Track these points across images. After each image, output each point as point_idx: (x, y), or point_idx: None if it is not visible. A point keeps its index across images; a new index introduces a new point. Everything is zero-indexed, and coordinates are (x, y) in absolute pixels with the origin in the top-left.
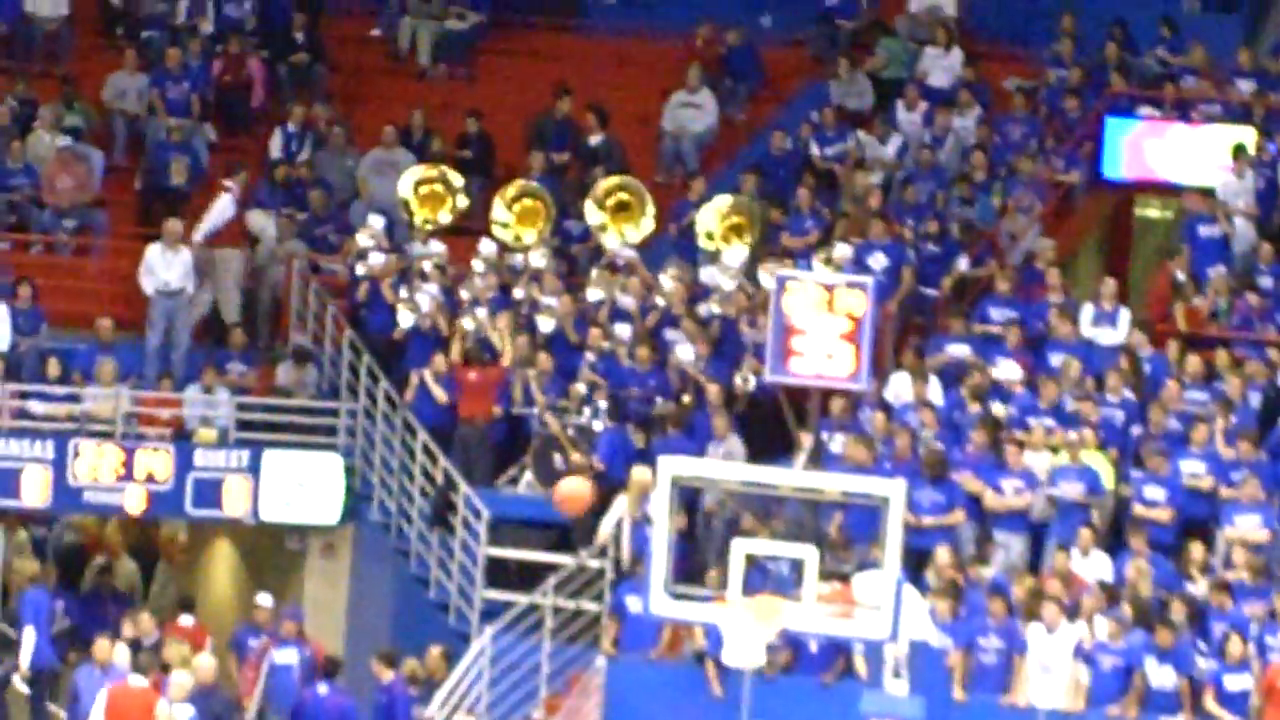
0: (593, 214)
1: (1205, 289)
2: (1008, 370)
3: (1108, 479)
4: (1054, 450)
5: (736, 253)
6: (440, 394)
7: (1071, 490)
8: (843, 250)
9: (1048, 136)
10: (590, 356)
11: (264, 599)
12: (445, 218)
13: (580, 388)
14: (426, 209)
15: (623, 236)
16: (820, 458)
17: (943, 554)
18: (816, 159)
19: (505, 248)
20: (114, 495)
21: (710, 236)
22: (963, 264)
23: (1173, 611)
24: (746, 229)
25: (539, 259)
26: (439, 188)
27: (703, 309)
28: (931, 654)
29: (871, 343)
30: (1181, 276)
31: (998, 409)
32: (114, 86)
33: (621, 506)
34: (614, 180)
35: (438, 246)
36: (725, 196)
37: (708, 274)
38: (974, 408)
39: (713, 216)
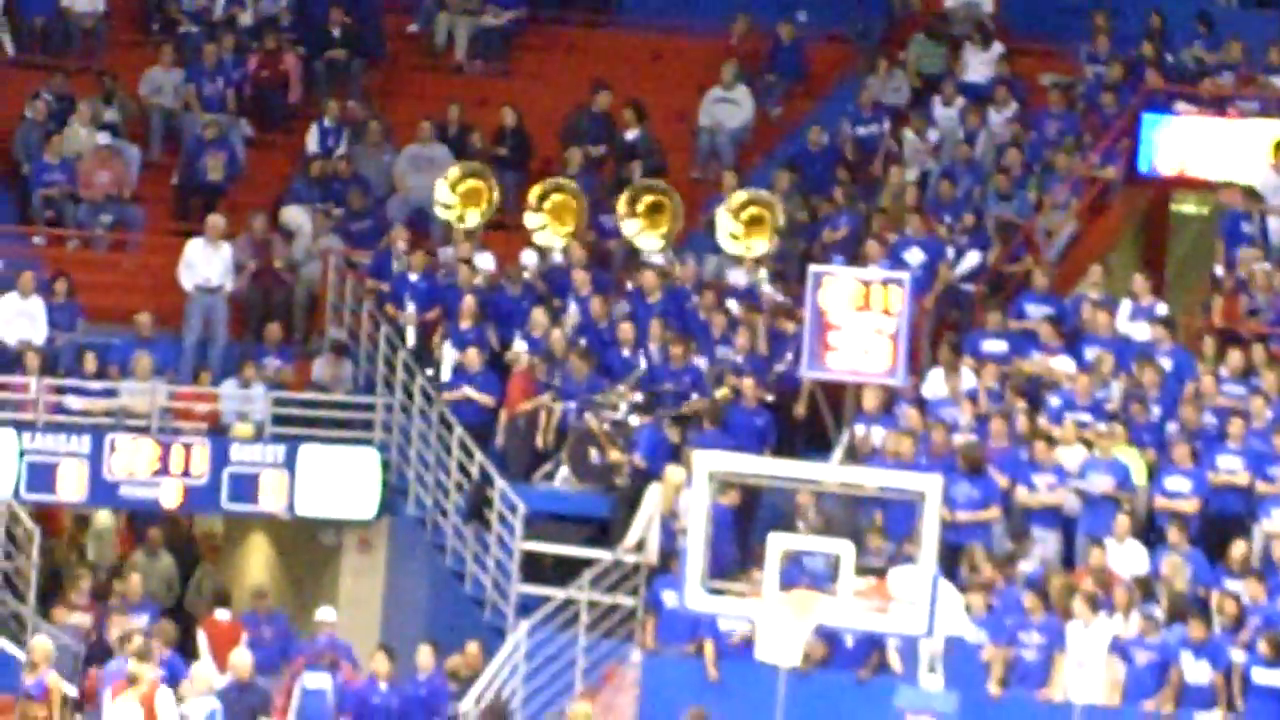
0: (626, 219)
1: (1243, 284)
2: (1061, 364)
3: (1140, 474)
4: (1087, 445)
5: (758, 249)
6: (476, 394)
7: (1101, 484)
8: None
9: (1084, 132)
10: (625, 353)
11: (326, 613)
12: (474, 219)
13: (620, 387)
14: (469, 206)
15: (653, 238)
16: (857, 453)
17: (978, 551)
18: (847, 136)
19: (543, 251)
20: (150, 490)
21: (735, 237)
22: (973, 259)
23: (1209, 606)
24: (768, 221)
25: (582, 276)
26: (477, 183)
27: (732, 306)
28: (967, 649)
29: (908, 338)
30: (1220, 271)
31: (1053, 400)
32: (150, 82)
33: (654, 502)
34: (643, 183)
35: (486, 263)
36: (741, 191)
37: (735, 276)
38: (1013, 401)
39: (729, 214)
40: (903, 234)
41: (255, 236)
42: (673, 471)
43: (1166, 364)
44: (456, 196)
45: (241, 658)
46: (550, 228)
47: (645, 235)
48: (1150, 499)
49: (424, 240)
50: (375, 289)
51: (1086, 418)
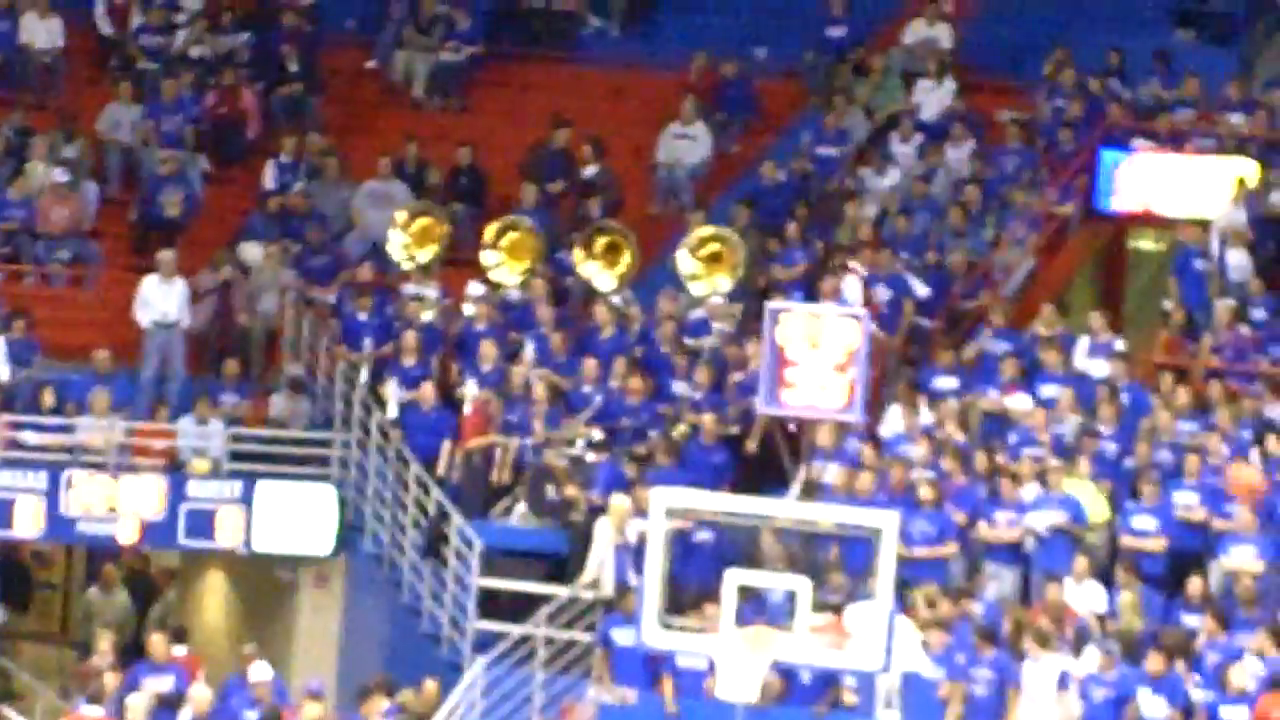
0: (582, 260)
1: (1198, 321)
2: (1018, 402)
3: (1100, 510)
4: (1042, 481)
5: (721, 286)
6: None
7: (1052, 519)
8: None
9: (1042, 168)
10: (586, 389)
11: (261, 672)
12: (425, 256)
13: (578, 421)
14: (422, 244)
15: (610, 277)
16: (814, 489)
17: (929, 588)
18: (807, 157)
19: (495, 285)
20: (107, 526)
21: (694, 277)
22: (922, 290)
23: (1165, 643)
24: (727, 258)
25: (544, 311)
26: (427, 221)
27: (690, 343)
28: (923, 685)
29: (864, 374)
30: (1171, 307)
31: (1010, 437)
32: (108, 118)
33: (605, 536)
34: (599, 223)
35: (432, 291)
36: (702, 229)
37: (697, 314)
38: (959, 438)
39: (686, 251)
40: (870, 270)
41: (221, 273)
42: (618, 500)
43: (1124, 399)
44: (408, 236)
45: (200, 693)
46: (506, 265)
47: (602, 275)
48: (1116, 536)
49: (383, 276)
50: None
51: (1044, 454)
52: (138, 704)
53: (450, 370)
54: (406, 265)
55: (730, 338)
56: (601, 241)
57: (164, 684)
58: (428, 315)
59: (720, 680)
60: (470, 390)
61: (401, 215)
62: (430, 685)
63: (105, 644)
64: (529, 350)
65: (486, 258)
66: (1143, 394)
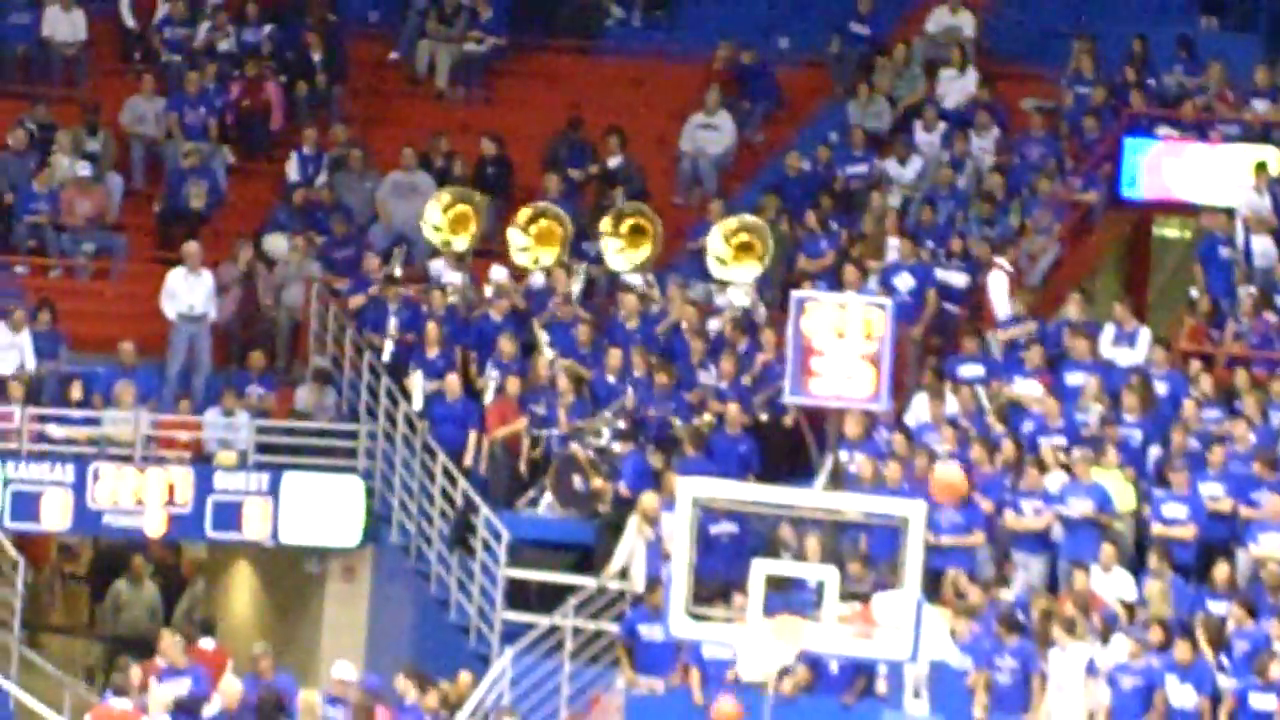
0: (608, 240)
1: (1224, 308)
2: (1028, 388)
3: (1127, 498)
4: (1068, 470)
5: (748, 272)
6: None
7: (1080, 507)
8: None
9: (1066, 156)
10: (610, 379)
11: (344, 670)
12: (462, 244)
13: (607, 413)
14: (457, 232)
15: (632, 262)
16: (840, 479)
17: (958, 576)
18: (838, 179)
19: (521, 272)
20: (134, 518)
21: (722, 261)
22: (960, 279)
23: (1194, 631)
24: (757, 247)
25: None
26: (465, 208)
27: (712, 325)
28: (951, 674)
29: (891, 363)
30: (1196, 295)
31: (1026, 425)
32: (132, 110)
33: (634, 529)
34: (628, 205)
35: (454, 276)
36: (732, 218)
37: (723, 299)
38: (993, 426)
39: (719, 237)
40: (893, 259)
41: (243, 266)
42: (648, 496)
43: (1163, 387)
44: (446, 219)
45: (230, 685)
46: (532, 251)
47: (624, 256)
48: (1147, 525)
49: (406, 266)
50: (357, 309)
51: (1062, 441)
52: (160, 695)
53: (470, 360)
54: (445, 250)
55: (749, 319)
56: (628, 223)
57: (180, 687)
58: (453, 299)
59: (741, 664)
60: (491, 380)
61: (445, 198)
62: (465, 677)
63: (169, 643)
64: (543, 338)
65: (515, 242)
66: (1182, 382)
